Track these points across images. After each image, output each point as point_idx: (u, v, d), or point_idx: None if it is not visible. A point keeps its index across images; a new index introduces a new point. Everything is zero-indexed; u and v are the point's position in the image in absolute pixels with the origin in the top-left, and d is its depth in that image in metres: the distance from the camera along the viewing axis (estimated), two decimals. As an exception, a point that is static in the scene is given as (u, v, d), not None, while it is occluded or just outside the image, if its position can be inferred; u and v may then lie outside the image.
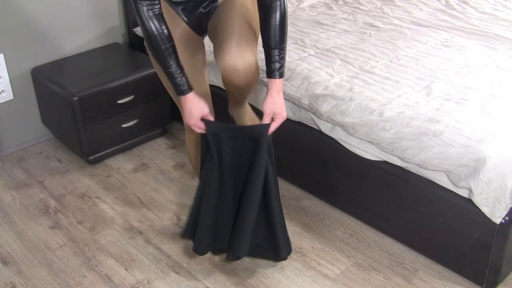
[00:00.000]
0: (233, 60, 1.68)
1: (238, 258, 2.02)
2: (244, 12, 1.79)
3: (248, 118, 2.08)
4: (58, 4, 2.75)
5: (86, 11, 2.87)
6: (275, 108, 1.80)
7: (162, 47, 1.68)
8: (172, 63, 1.71)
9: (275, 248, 1.96)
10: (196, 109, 1.77)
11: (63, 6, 2.77)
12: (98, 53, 2.91)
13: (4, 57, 2.64)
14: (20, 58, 2.70)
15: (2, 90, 2.68)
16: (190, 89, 1.76)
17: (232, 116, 2.11)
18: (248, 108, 2.06)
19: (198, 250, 1.99)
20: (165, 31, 1.68)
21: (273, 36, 1.73)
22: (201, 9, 1.81)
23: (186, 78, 1.74)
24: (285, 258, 2.05)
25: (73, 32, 2.86)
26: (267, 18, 1.71)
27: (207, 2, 1.81)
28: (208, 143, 1.84)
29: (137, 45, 3.05)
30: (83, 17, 2.87)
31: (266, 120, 1.82)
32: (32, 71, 2.74)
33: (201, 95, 1.85)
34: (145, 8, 1.64)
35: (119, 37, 3.07)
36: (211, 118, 1.84)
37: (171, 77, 1.73)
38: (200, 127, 1.81)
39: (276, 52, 1.75)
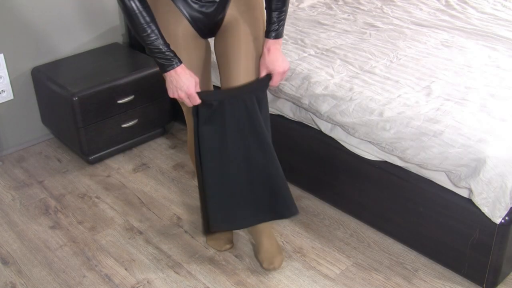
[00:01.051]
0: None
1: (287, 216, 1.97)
2: (249, 33, 1.82)
3: None
4: (58, 4, 2.75)
5: (86, 11, 2.87)
6: (268, 65, 1.82)
7: (144, 25, 1.65)
8: (155, 37, 1.67)
9: (280, 207, 1.91)
10: (189, 79, 1.74)
11: (63, 6, 2.77)
12: (98, 53, 2.91)
13: (4, 57, 2.64)
14: (20, 58, 2.70)
15: (2, 90, 2.68)
16: (179, 61, 1.72)
17: None
18: None
19: (215, 227, 1.91)
20: (147, 8, 1.65)
21: (274, 2, 1.76)
22: (203, 9, 1.79)
23: (173, 52, 1.71)
24: (291, 216, 1.97)
25: (73, 32, 2.86)
26: None
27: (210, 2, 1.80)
28: (203, 117, 1.80)
29: (137, 45, 3.05)
30: (83, 17, 2.87)
31: (262, 75, 1.85)
32: (32, 71, 2.74)
33: None
34: None
35: (119, 37, 3.07)
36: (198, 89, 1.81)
37: (157, 52, 1.69)
38: (194, 98, 1.77)
39: (275, 14, 1.78)
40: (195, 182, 2.53)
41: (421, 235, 2.02)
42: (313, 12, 3.04)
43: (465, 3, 3.06)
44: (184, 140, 2.88)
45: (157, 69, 2.73)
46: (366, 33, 2.70)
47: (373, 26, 2.79)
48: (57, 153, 2.81)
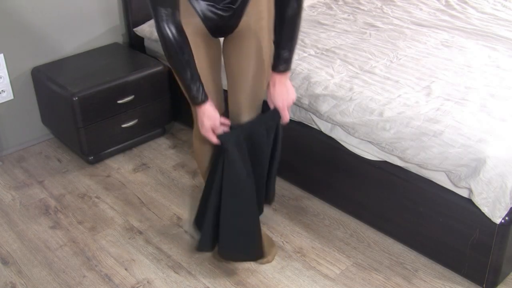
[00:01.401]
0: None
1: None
2: (260, 44, 1.81)
3: None
4: (58, 4, 2.75)
5: (86, 11, 2.87)
6: (272, 99, 1.83)
7: (180, 56, 1.64)
8: (188, 72, 1.67)
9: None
10: (207, 119, 1.75)
11: (63, 6, 2.77)
12: (98, 53, 2.91)
13: (4, 57, 2.64)
14: (20, 58, 2.70)
15: (2, 90, 2.68)
16: (205, 99, 1.73)
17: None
18: None
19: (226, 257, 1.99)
20: (183, 39, 1.64)
21: (284, 36, 1.73)
22: (220, 12, 1.75)
23: (202, 87, 1.71)
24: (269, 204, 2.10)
25: (73, 32, 2.86)
26: (281, 17, 1.71)
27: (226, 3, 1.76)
28: (224, 152, 1.83)
29: (137, 45, 3.05)
30: (83, 17, 2.87)
31: (272, 107, 1.86)
32: (32, 71, 2.74)
33: (215, 93, 1.84)
34: (164, 14, 1.58)
35: (119, 37, 3.07)
36: (223, 127, 1.82)
37: (186, 86, 1.70)
38: (211, 138, 1.79)
39: (285, 51, 1.76)
40: (195, 182, 2.53)
41: (421, 235, 2.02)
42: (313, 12, 3.04)
43: (465, 3, 3.06)
44: (184, 140, 2.88)
45: (157, 69, 2.73)
46: (366, 33, 2.70)
47: (373, 26, 2.79)
48: (57, 153, 2.81)
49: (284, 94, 1.82)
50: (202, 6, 1.73)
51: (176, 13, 1.60)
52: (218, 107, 1.84)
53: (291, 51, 1.77)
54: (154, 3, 1.58)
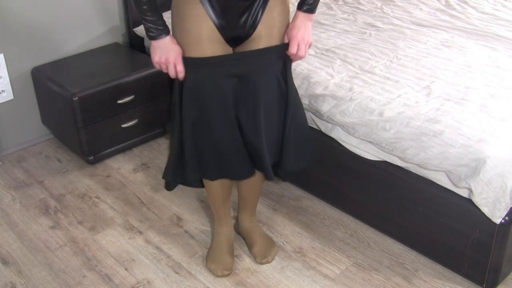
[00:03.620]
0: None
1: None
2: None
3: (258, 233, 2.12)
4: (58, 4, 2.75)
5: (86, 11, 2.87)
6: (288, 31, 1.76)
7: (146, 5, 1.62)
8: (152, 13, 1.64)
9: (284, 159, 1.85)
10: (178, 48, 1.69)
11: (63, 6, 2.77)
12: (98, 53, 2.91)
13: (4, 57, 2.64)
14: (20, 58, 2.70)
15: (2, 90, 2.68)
16: (169, 31, 1.69)
17: (240, 232, 2.17)
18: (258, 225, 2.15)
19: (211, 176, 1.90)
20: None
21: None
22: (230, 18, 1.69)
23: (165, 23, 1.68)
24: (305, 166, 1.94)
25: (73, 32, 2.86)
26: None
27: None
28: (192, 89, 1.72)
29: (137, 45, 3.05)
30: (83, 17, 2.87)
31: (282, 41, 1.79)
32: (32, 71, 2.74)
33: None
34: None
35: (119, 37, 3.07)
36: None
37: (151, 23, 1.65)
38: (179, 68, 1.71)
39: None
40: (195, 182, 2.53)
41: (421, 235, 2.02)
42: (313, 12, 3.04)
43: (465, 3, 3.06)
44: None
45: (157, 69, 2.72)
46: (366, 33, 2.70)
47: (373, 26, 2.79)
48: (57, 153, 2.81)
49: (301, 29, 1.75)
50: (213, 8, 1.67)
51: None
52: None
53: None
54: None
